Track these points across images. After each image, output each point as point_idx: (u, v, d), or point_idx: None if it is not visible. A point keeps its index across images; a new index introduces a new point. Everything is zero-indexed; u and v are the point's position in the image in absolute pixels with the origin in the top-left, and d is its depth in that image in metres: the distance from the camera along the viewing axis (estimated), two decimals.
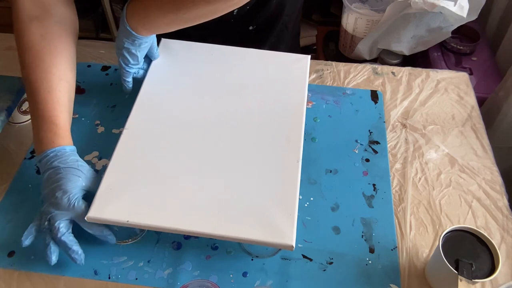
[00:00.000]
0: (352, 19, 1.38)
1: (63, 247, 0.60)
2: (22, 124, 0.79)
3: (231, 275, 0.62)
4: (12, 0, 0.69)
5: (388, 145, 0.78)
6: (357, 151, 0.77)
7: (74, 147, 0.65)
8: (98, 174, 0.67)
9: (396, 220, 0.69)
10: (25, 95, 0.77)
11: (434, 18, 1.21)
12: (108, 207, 0.60)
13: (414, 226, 0.68)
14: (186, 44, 0.81)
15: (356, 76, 0.89)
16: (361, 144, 0.78)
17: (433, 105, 0.84)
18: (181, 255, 0.64)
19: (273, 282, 0.62)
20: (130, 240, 0.64)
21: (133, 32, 0.68)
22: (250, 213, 0.60)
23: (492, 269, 0.56)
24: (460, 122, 0.82)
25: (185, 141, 0.68)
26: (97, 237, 0.62)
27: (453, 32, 1.23)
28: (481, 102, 0.94)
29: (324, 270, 0.63)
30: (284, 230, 0.58)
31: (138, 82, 0.76)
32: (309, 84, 0.86)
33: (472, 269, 0.56)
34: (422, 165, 0.75)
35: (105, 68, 0.88)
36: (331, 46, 1.58)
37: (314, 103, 0.84)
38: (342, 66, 0.91)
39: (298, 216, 0.60)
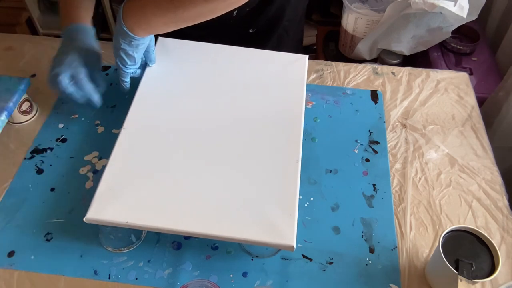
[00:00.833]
0: (352, 19, 1.38)
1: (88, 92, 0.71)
2: (22, 124, 0.79)
3: (231, 275, 0.62)
4: None
5: (388, 145, 0.78)
6: (357, 151, 0.77)
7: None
8: (98, 175, 0.67)
9: (396, 220, 0.69)
10: (25, 95, 0.77)
11: (434, 18, 1.21)
12: (107, 208, 0.59)
13: (414, 226, 0.68)
14: (184, 43, 0.81)
15: (356, 76, 0.89)
16: (361, 144, 0.78)
17: (433, 105, 0.84)
18: (181, 255, 0.64)
19: (273, 282, 0.62)
20: (126, 248, 0.64)
21: (130, 33, 0.67)
22: (250, 214, 0.60)
23: (492, 269, 0.56)
24: (460, 122, 0.82)
25: (183, 141, 0.67)
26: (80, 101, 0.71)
27: (453, 32, 1.23)
28: (481, 102, 0.94)
29: (324, 270, 0.63)
30: (284, 231, 0.58)
31: (136, 81, 0.76)
32: (309, 84, 0.87)
33: (472, 269, 0.56)
34: (422, 165, 0.75)
35: (105, 68, 0.88)
36: (331, 46, 1.58)
37: (314, 103, 0.84)
38: (342, 66, 0.91)
39: (298, 216, 0.60)
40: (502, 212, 0.70)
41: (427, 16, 1.20)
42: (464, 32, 1.35)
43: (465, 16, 1.15)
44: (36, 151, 0.75)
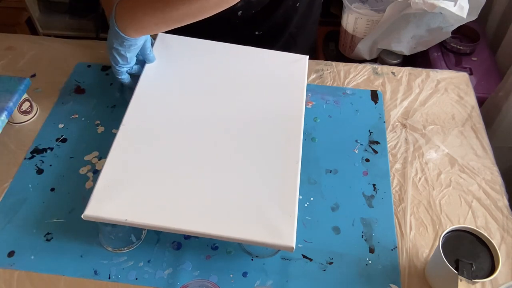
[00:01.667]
0: (352, 19, 1.38)
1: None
2: (22, 124, 0.79)
3: (231, 275, 0.62)
4: None
5: (388, 145, 0.78)
6: (357, 151, 0.77)
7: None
8: (98, 175, 0.67)
9: (396, 220, 0.69)
10: (25, 95, 0.77)
11: (434, 18, 1.21)
12: (106, 205, 0.59)
13: (414, 226, 0.68)
14: (184, 39, 0.80)
15: (356, 76, 0.89)
16: (361, 144, 0.78)
17: (433, 105, 0.84)
18: (181, 255, 0.64)
19: (273, 282, 0.62)
20: (126, 248, 0.64)
21: (122, 34, 0.66)
22: (250, 214, 0.60)
23: (492, 269, 0.56)
24: (460, 122, 0.82)
25: (183, 140, 0.67)
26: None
27: (453, 32, 1.23)
28: (481, 102, 0.94)
29: (324, 270, 0.63)
30: (284, 231, 0.58)
31: (134, 77, 0.76)
32: (309, 84, 0.87)
33: (472, 269, 0.55)
34: (422, 165, 0.75)
35: (105, 68, 0.88)
36: (331, 46, 1.59)
37: (314, 103, 0.84)
38: (342, 66, 0.91)
39: (298, 216, 0.60)
40: (502, 212, 0.70)
41: (427, 16, 1.20)
42: (464, 32, 1.35)
43: (465, 16, 1.15)
44: (36, 151, 0.75)
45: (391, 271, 0.63)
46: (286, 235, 0.58)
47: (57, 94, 0.84)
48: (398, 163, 0.75)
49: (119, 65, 0.72)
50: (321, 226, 0.67)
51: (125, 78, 0.75)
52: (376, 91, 0.86)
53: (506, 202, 0.71)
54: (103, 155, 0.75)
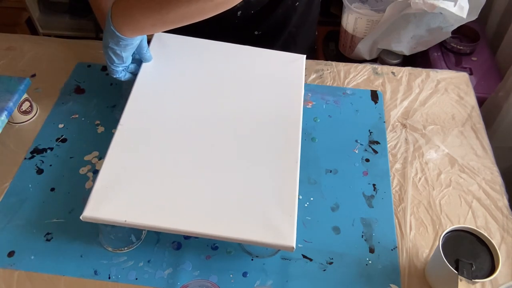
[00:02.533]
0: (352, 19, 1.38)
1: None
2: (22, 124, 0.79)
3: (231, 275, 0.62)
4: None
5: (388, 145, 0.78)
6: (357, 151, 0.77)
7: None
8: (97, 175, 0.67)
9: (396, 220, 0.69)
10: (25, 95, 0.77)
11: (434, 18, 1.21)
12: (105, 207, 0.59)
13: (414, 226, 0.68)
14: (181, 38, 0.80)
15: (356, 76, 0.89)
16: (361, 144, 0.78)
17: (433, 105, 0.84)
18: (181, 255, 0.64)
19: (273, 282, 0.62)
20: (126, 248, 0.64)
21: (117, 33, 0.66)
22: (249, 214, 0.60)
23: (492, 269, 0.56)
24: (460, 122, 0.82)
25: (181, 140, 0.67)
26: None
27: (453, 32, 1.23)
28: (481, 102, 0.94)
29: (324, 270, 0.63)
30: (284, 231, 0.58)
31: (133, 75, 0.75)
32: (309, 84, 0.87)
33: (472, 269, 0.56)
34: (422, 165, 0.75)
35: (105, 68, 0.88)
36: (331, 46, 1.58)
37: (314, 103, 0.84)
38: (342, 66, 0.91)
39: (298, 216, 0.60)
40: (502, 212, 0.70)
41: (427, 16, 1.20)
42: (464, 32, 1.35)
43: (465, 16, 1.15)
44: (36, 151, 0.75)
45: (391, 271, 0.63)
46: (286, 234, 0.58)
47: (57, 94, 0.84)
48: (398, 163, 0.75)
49: (114, 64, 0.72)
50: (321, 226, 0.67)
51: (121, 76, 0.74)
52: (376, 91, 0.86)
53: (506, 202, 0.71)
54: (103, 155, 0.74)
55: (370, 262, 0.64)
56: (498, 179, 0.74)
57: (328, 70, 0.90)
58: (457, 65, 1.30)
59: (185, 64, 0.77)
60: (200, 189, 0.62)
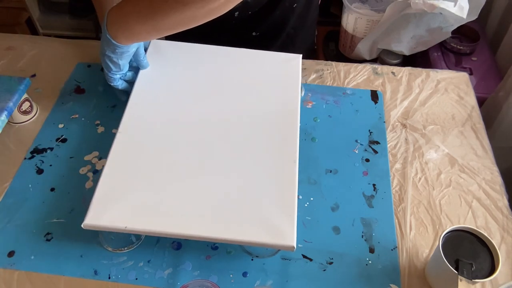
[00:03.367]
0: (352, 19, 1.38)
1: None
2: (22, 124, 0.79)
3: (231, 275, 0.62)
4: None
5: (388, 145, 0.78)
6: (357, 151, 0.77)
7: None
8: (98, 175, 0.67)
9: (396, 220, 0.69)
10: (25, 95, 0.77)
11: (434, 18, 1.21)
12: (105, 214, 0.59)
13: (414, 226, 0.68)
14: (176, 44, 0.80)
15: (356, 76, 0.89)
16: (361, 144, 0.78)
17: (433, 105, 0.84)
18: (181, 255, 0.64)
19: (273, 282, 0.62)
20: (126, 248, 0.64)
21: (113, 41, 0.66)
22: (249, 215, 0.60)
23: (492, 269, 0.56)
24: (460, 122, 0.82)
25: (179, 144, 0.67)
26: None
27: (453, 32, 1.24)
28: (481, 102, 0.94)
29: (324, 270, 0.63)
30: (284, 231, 0.58)
31: (129, 83, 0.76)
32: (309, 84, 0.87)
33: (472, 269, 0.55)
34: (422, 165, 0.75)
35: None
36: (331, 46, 1.59)
37: (314, 103, 0.84)
38: (342, 66, 0.91)
39: (298, 216, 0.60)
40: (502, 212, 0.70)
41: (427, 16, 1.20)
42: (464, 32, 1.35)
43: (465, 16, 1.15)
44: (36, 151, 0.75)
45: (391, 271, 0.63)
46: (287, 234, 0.58)
47: (57, 94, 0.84)
48: (398, 163, 0.75)
49: (112, 72, 0.72)
50: (321, 226, 0.67)
51: (118, 84, 0.75)
52: (376, 91, 0.86)
53: (506, 202, 0.71)
54: (103, 155, 0.75)
55: (370, 262, 0.64)
56: (498, 179, 0.74)
57: (328, 70, 0.90)
58: (457, 65, 1.30)
59: (181, 69, 0.77)
60: (200, 193, 0.62)
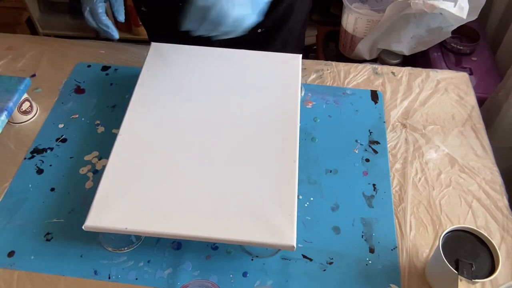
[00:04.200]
0: (352, 19, 1.38)
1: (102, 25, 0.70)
2: (22, 124, 0.79)
3: (231, 275, 0.62)
4: None
5: (388, 145, 0.78)
6: (357, 151, 0.77)
7: None
8: (98, 175, 0.67)
9: (396, 220, 0.69)
10: (25, 95, 0.77)
11: (434, 18, 1.21)
12: (106, 216, 0.59)
13: (414, 226, 0.68)
14: (176, 47, 0.81)
15: (356, 76, 0.89)
16: (361, 144, 0.78)
17: (433, 105, 0.84)
18: (181, 255, 0.64)
19: (273, 282, 0.62)
20: (126, 248, 0.64)
21: None
22: (249, 215, 0.60)
23: (492, 269, 0.56)
24: (460, 122, 0.82)
25: (180, 145, 0.67)
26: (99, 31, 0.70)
27: (453, 32, 1.23)
28: (481, 102, 0.94)
29: (324, 270, 0.63)
30: (284, 231, 0.58)
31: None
32: (309, 84, 0.87)
33: (472, 269, 0.56)
34: (422, 165, 0.75)
35: (105, 68, 0.88)
36: (331, 46, 1.58)
37: (314, 103, 0.84)
38: (342, 66, 0.91)
39: (298, 216, 0.60)
40: (502, 212, 0.70)
41: (427, 16, 1.20)
42: (464, 32, 1.35)
43: (465, 17, 1.15)
44: (36, 151, 0.75)
45: (391, 271, 0.63)
46: (287, 234, 0.58)
47: (57, 94, 0.84)
48: (398, 163, 0.75)
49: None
50: (321, 226, 0.67)
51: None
52: (376, 91, 0.86)
53: (506, 202, 0.71)
54: (103, 155, 0.75)
55: (370, 262, 0.64)
56: (498, 179, 0.74)
57: (328, 70, 0.90)
58: (457, 65, 1.30)
59: (181, 71, 0.77)
60: (200, 193, 0.62)
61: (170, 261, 0.63)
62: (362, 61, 1.42)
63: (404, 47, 1.32)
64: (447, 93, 0.86)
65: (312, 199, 0.70)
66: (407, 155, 0.77)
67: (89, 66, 0.89)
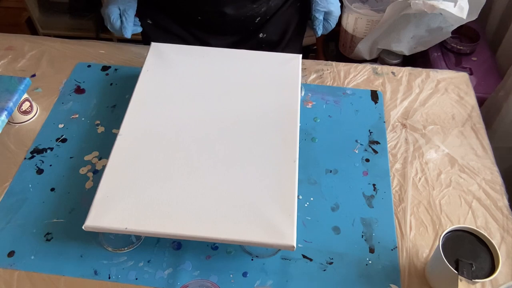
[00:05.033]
0: (352, 19, 1.38)
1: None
2: (22, 124, 0.79)
3: (231, 275, 0.62)
4: None
5: (388, 145, 0.78)
6: (357, 151, 0.77)
7: None
8: (98, 175, 0.67)
9: (396, 220, 0.69)
10: (25, 95, 0.77)
11: (434, 18, 1.21)
12: (106, 216, 0.59)
13: (414, 226, 0.68)
14: (177, 47, 0.81)
15: (356, 76, 0.89)
16: (361, 144, 0.78)
17: (433, 105, 0.84)
18: (181, 255, 0.64)
19: (273, 282, 0.62)
20: (126, 248, 0.64)
21: None
22: (249, 215, 0.60)
23: (492, 269, 0.56)
24: (460, 122, 0.82)
25: (180, 145, 0.67)
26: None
27: (453, 32, 1.23)
28: (481, 102, 0.94)
29: (324, 270, 0.63)
30: (284, 231, 0.58)
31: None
32: (309, 84, 0.87)
33: (472, 269, 0.55)
34: (422, 165, 0.75)
35: (105, 68, 0.88)
36: (331, 46, 1.58)
37: (314, 103, 0.84)
38: (342, 66, 0.91)
39: (298, 216, 0.60)
40: (502, 212, 0.70)
41: (427, 16, 1.20)
42: (464, 32, 1.35)
43: (465, 17, 1.15)
44: (36, 151, 0.75)
45: (391, 271, 0.63)
46: (287, 234, 0.58)
47: (57, 94, 0.84)
48: (398, 163, 0.75)
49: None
50: (321, 226, 0.67)
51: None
52: (376, 91, 0.86)
53: (506, 202, 0.71)
54: (103, 155, 0.75)
55: (370, 262, 0.64)
56: (498, 179, 0.74)
57: (328, 70, 0.90)
58: (457, 65, 1.30)
59: (181, 71, 0.77)
60: (200, 193, 0.62)
61: (170, 261, 0.63)
62: (362, 61, 1.42)
63: (404, 47, 1.32)
64: (447, 93, 0.86)
65: (312, 199, 0.70)
66: (407, 155, 0.77)
67: (89, 66, 0.89)
